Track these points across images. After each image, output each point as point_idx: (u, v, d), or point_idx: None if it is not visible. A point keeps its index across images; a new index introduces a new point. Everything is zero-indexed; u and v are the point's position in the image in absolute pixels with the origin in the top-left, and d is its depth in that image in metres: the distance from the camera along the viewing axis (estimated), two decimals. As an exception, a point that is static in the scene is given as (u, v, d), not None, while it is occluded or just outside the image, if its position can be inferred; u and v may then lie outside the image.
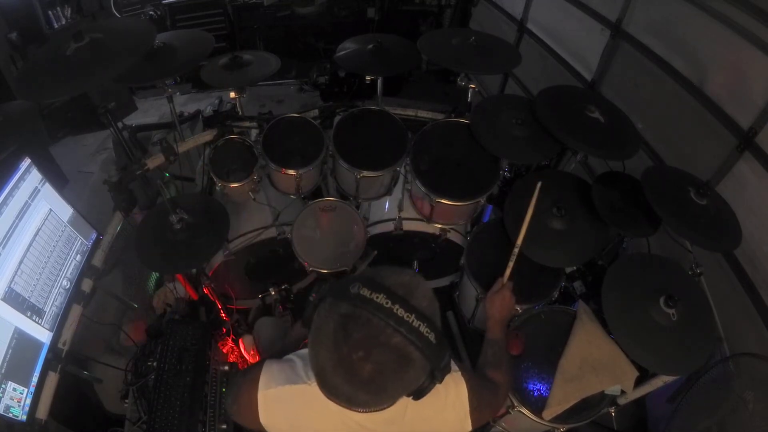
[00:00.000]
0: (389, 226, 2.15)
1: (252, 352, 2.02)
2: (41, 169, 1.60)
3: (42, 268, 1.55)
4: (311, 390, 0.82)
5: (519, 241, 1.55)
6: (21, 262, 1.47)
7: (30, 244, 1.51)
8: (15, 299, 1.42)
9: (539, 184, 1.58)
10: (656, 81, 2.26)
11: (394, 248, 2.21)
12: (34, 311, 1.50)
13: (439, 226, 2.06)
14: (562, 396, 1.51)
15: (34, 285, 1.51)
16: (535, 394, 1.57)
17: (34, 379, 1.47)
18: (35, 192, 1.55)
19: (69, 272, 1.69)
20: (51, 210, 1.62)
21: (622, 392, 1.53)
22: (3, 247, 1.40)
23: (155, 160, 1.92)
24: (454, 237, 2.15)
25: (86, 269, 1.76)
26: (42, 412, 1.45)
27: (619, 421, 1.65)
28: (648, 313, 1.40)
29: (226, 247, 2.05)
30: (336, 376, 0.70)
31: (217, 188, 2.05)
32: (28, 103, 2.00)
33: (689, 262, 1.58)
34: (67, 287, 1.67)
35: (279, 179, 2.08)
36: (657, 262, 1.57)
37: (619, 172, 1.76)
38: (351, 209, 2.10)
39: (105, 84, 1.57)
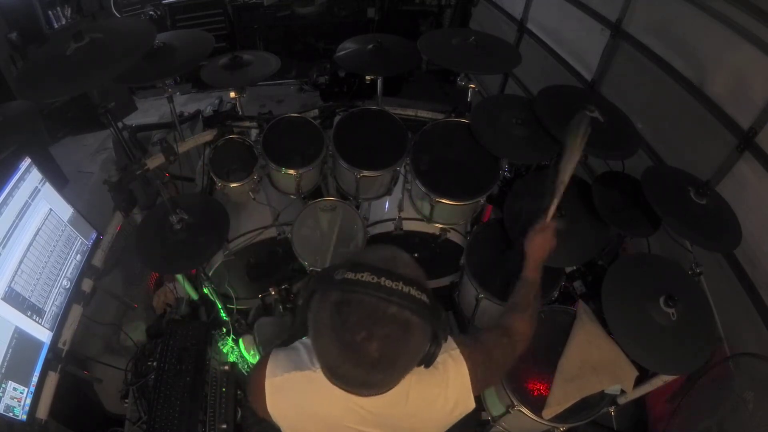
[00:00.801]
0: (389, 226, 2.15)
1: (252, 353, 2.02)
2: (41, 169, 1.60)
3: (42, 267, 1.56)
4: (316, 376, 0.83)
5: (566, 177, 1.38)
6: (21, 261, 1.47)
7: (30, 244, 1.51)
8: (15, 299, 1.42)
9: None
10: (656, 81, 2.26)
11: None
12: (34, 311, 1.50)
13: (439, 226, 2.06)
14: (562, 396, 1.51)
15: (34, 285, 1.51)
16: (535, 393, 1.57)
17: (34, 379, 1.47)
18: (35, 192, 1.55)
19: (69, 272, 1.69)
20: (51, 210, 1.62)
21: (622, 392, 1.54)
22: (3, 247, 1.40)
23: (155, 160, 1.92)
24: (454, 237, 2.15)
25: (86, 269, 1.76)
26: (42, 412, 1.45)
27: (619, 421, 1.65)
28: (648, 313, 1.40)
29: (226, 247, 2.05)
30: (345, 364, 0.71)
31: (217, 188, 2.05)
32: (28, 103, 2.00)
33: (689, 262, 1.58)
34: (67, 287, 1.67)
35: (279, 179, 2.08)
36: (657, 262, 1.58)
37: (619, 172, 1.76)
38: (351, 209, 2.10)
39: (105, 84, 1.56)
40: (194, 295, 2.14)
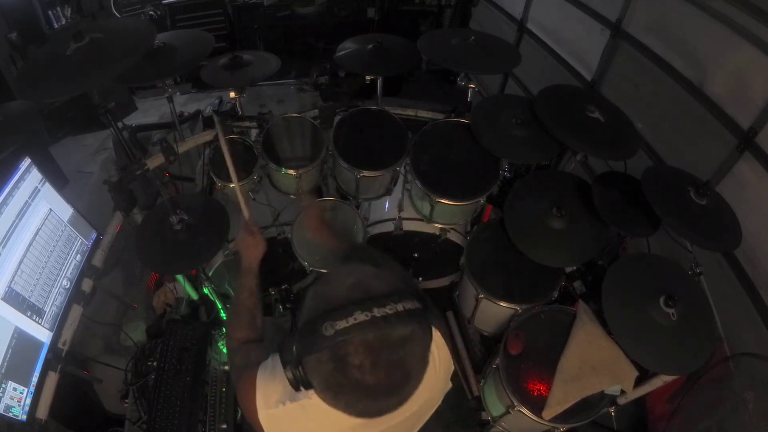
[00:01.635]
0: (389, 226, 2.15)
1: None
2: (41, 169, 1.60)
3: (42, 267, 1.55)
4: (312, 403, 0.81)
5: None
6: (21, 261, 1.47)
7: (30, 244, 1.51)
8: (15, 299, 1.42)
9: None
10: (656, 81, 2.26)
11: (394, 248, 2.21)
12: (34, 311, 1.50)
13: (439, 226, 2.06)
14: (562, 396, 1.51)
15: (34, 285, 1.51)
16: (535, 394, 1.57)
17: (34, 379, 1.47)
18: (35, 192, 1.55)
19: (69, 272, 1.69)
20: (51, 210, 1.62)
21: (622, 392, 1.53)
22: (3, 247, 1.40)
23: (155, 160, 1.92)
24: (454, 237, 2.15)
25: (86, 269, 1.76)
26: (42, 412, 1.45)
27: (619, 421, 1.65)
28: (648, 313, 1.40)
29: (226, 247, 2.05)
30: (379, 403, 0.70)
31: (217, 188, 2.05)
32: (28, 103, 1.99)
33: (689, 262, 1.58)
34: (67, 287, 1.67)
35: (279, 179, 2.08)
36: (657, 262, 1.57)
37: (619, 172, 1.76)
38: (351, 209, 2.10)
39: (105, 84, 1.56)
40: (194, 295, 2.14)
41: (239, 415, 1.84)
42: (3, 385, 1.34)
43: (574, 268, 1.85)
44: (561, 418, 1.53)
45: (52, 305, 1.59)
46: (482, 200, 1.94)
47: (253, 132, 2.14)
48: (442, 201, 1.86)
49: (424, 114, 2.26)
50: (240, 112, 2.15)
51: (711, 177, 1.90)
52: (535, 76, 3.27)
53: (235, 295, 1.20)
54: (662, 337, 1.38)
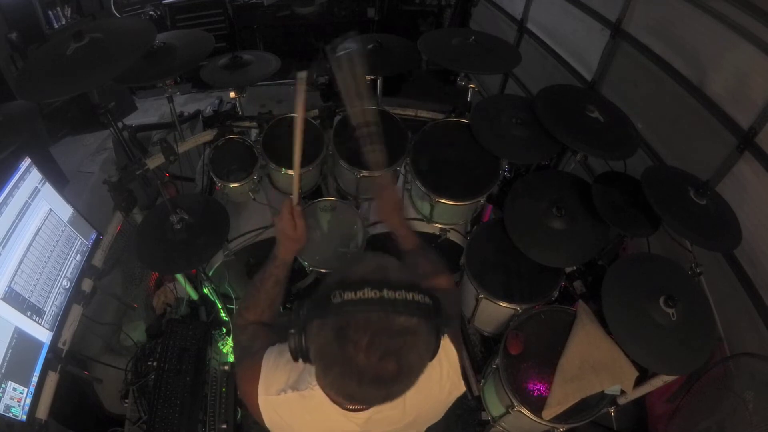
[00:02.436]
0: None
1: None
2: (41, 169, 1.60)
3: (42, 267, 1.55)
4: (314, 394, 0.81)
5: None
6: (21, 261, 1.47)
7: (30, 244, 1.51)
8: (15, 299, 1.42)
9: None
10: (656, 81, 2.26)
11: (394, 248, 2.20)
12: (34, 311, 1.50)
13: (439, 226, 2.06)
14: (562, 396, 1.51)
15: (34, 285, 1.51)
16: (535, 394, 1.57)
17: (34, 379, 1.47)
18: (35, 192, 1.55)
19: (69, 272, 1.69)
20: (51, 210, 1.62)
21: (622, 392, 1.53)
22: (3, 247, 1.40)
23: (155, 160, 1.92)
24: (454, 237, 2.15)
25: (86, 269, 1.76)
26: (42, 412, 1.45)
27: (619, 421, 1.65)
28: (648, 313, 1.40)
29: (226, 247, 2.05)
30: (365, 388, 0.69)
31: (217, 188, 2.05)
32: (28, 103, 1.99)
33: (689, 262, 1.58)
34: (67, 287, 1.67)
35: (279, 179, 2.08)
36: (657, 262, 1.58)
37: (619, 172, 1.76)
38: (351, 209, 2.10)
39: (105, 84, 1.56)
40: (194, 295, 2.14)
41: (239, 415, 1.84)
42: (3, 385, 1.34)
43: (574, 268, 1.85)
44: (561, 418, 1.53)
45: (52, 305, 1.59)
46: (482, 200, 1.94)
47: (253, 132, 2.14)
48: (442, 201, 1.86)
49: (424, 114, 2.25)
50: (240, 112, 2.15)
51: (711, 177, 1.90)
52: (535, 76, 3.27)
53: (258, 279, 1.12)
54: (662, 337, 1.38)
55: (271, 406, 0.88)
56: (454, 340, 0.92)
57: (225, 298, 2.16)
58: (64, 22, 2.87)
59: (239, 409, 1.89)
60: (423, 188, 1.87)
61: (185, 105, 3.51)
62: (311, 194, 2.17)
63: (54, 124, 2.82)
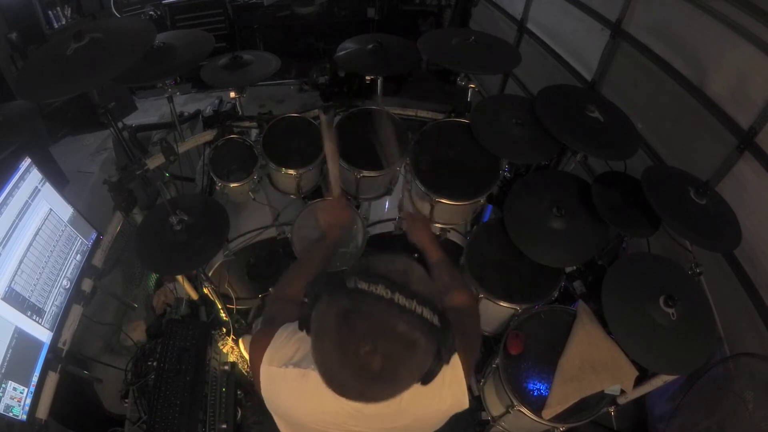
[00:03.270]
0: (389, 226, 2.15)
1: (252, 352, 2.03)
2: (41, 169, 1.60)
3: (42, 267, 1.56)
4: (314, 374, 0.81)
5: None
6: (21, 261, 1.47)
7: (30, 244, 1.51)
8: (15, 299, 1.42)
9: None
10: (656, 81, 2.26)
11: (394, 248, 2.20)
12: (34, 311, 1.50)
13: (439, 226, 2.06)
14: (562, 396, 1.51)
15: (34, 285, 1.51)
16: (535, 393, 1.58)
17: (35, 379, 1.47)
18: (35, 192, 1.55)
19: (69, 272, 1.69)
20: (51, 210, 1.62)
21: (622, 392, 1.54)
22: (3, 247, 1.40)
23: (155, 160, 1.92)
24: (454, 237, 2.15)
25: (86, 269, 1.76)
26: (42, 412, 1.45)
27: (619, 421, 1.65)
28: (648, 313, 1.40)
29: (226, 247, 2.05)
30: (345, 374, 0.70)
31: (217, 188, 2.05)
32: (28, 103, 1.99)
33: (689, 262, 1.58)
34: (67, 287, 1.67)
35: (279, 179, 2.08)
36: (657, 262, 1.58)
37: (619, 172, 1.76)
38: (351, 209, 2.10)
39: (105, 84, 1.56)
40: (194, 295, 2.14)
41: (239, 415, 1.84)
42: (3, 385, 1.35)
43: (574, 268, 1.85)
44: (561, 417, 1.53)
45: (52, 305, 1.59)
46: (482, 200, 1.94)
47: (253, 132, 2.14)
48: (442, 201, 1.86)
49: (424, 114, 2.26)
50: (240, 112, 2.15)
51: (711, 177, 1.90)
52: (535, 76, 3.27)
53: (306, 257, 1.27)
54: (662, 337, 1.38)
55: (271, 377, 0.89)
56: (466, 359, 0.92)
57: (225, 298, 2.16)
58: (64, 22, 2.87)
59: (239, 409, 1.89)
60: (423, 188, 1.87)
61: (185, 105, 3.51)
62: (311, 194, 2.17)
63: (54, 124, 2.82)
